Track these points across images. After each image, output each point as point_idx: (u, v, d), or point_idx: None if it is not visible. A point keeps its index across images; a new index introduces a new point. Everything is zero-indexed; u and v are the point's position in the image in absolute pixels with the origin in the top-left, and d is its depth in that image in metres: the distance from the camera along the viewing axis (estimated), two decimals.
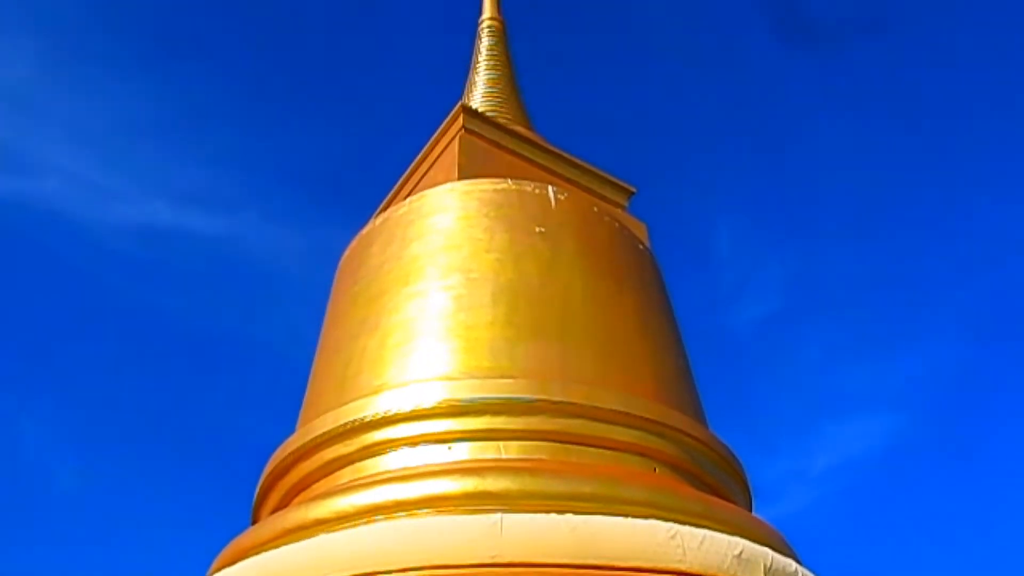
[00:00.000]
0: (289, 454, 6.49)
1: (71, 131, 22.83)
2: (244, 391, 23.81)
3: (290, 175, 25.70)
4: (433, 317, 6.61)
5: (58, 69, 22.96)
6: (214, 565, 6.09)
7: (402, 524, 5.31)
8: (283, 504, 6.48)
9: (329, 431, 6.25)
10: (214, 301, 23.91)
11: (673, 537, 5.25)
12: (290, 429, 6.89)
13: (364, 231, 7.90)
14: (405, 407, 6.06)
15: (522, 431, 5.98)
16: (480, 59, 11.04)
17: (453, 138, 8.80)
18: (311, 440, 6.35)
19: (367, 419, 6.11)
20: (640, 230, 8.74)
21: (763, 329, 25.07)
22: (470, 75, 10.98)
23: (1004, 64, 23.45)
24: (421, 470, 5.74)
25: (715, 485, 6.53)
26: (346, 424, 6.17)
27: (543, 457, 5.91)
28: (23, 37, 22.31)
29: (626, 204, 9.54)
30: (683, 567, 5.17)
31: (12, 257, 22.23)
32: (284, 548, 5.49)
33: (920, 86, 24.12)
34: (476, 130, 8.91)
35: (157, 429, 22.11)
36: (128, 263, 23.30)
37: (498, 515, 5.14)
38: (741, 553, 5.40)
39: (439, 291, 6.76)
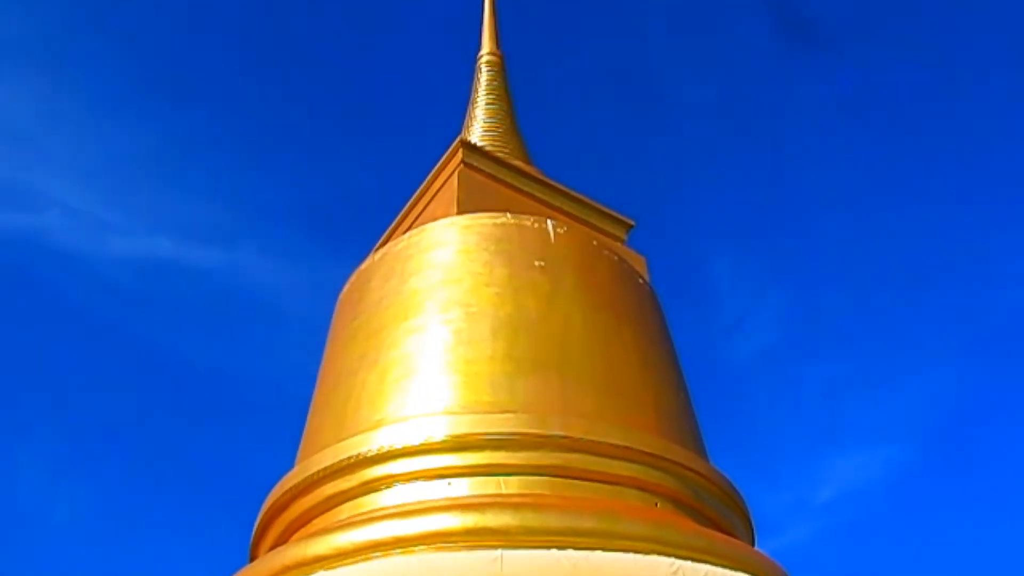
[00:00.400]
0: (288, 489, 6.45)
1: (72, 166, 22.95)
2: (243, 425, 23.73)
3: (289, 209, 25.80)
4: (433, 352, 6.60)
5: (60, 105, 23.08)
6: None
7: (402, 561, 5.26)
8: (282, 540, 6.43)
9: (328, 466, 6.21)
10: (213, 335, 23.91)
11: (675, 572, 5.22)
12: (289, 464, 6.85)
13: (363, 266, 7.90)
14: (405, 442, 6.02)
15: (522, 466, 5.95)
16: (479, 94, 11.10)
17: (452, 172, 8.82)
18: (310, 475, 6.31)
19: (366, 454, 6.08)
20: (639, 263, 8.75)
21: (763, 361, 25.09)
22: (469, 109, 11.03)
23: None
24: (421, 506, 5.70)
25: (717, 519, 6.49)
26: (345, 459, 6.14)
27: (544, 492, 5.88)
28: (27, 74, 22.47)
29: (625, 237, 9.55)
30: None
31: (11, 291, 22.26)
32: None
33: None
34: (475, 164, 8.94)
35: (154, 462, 22.02)
36: (127, 296, 23.33)
37: (499, 551, 5.11)
38: None
39: (438, 326, 6.75)
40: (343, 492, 6.14)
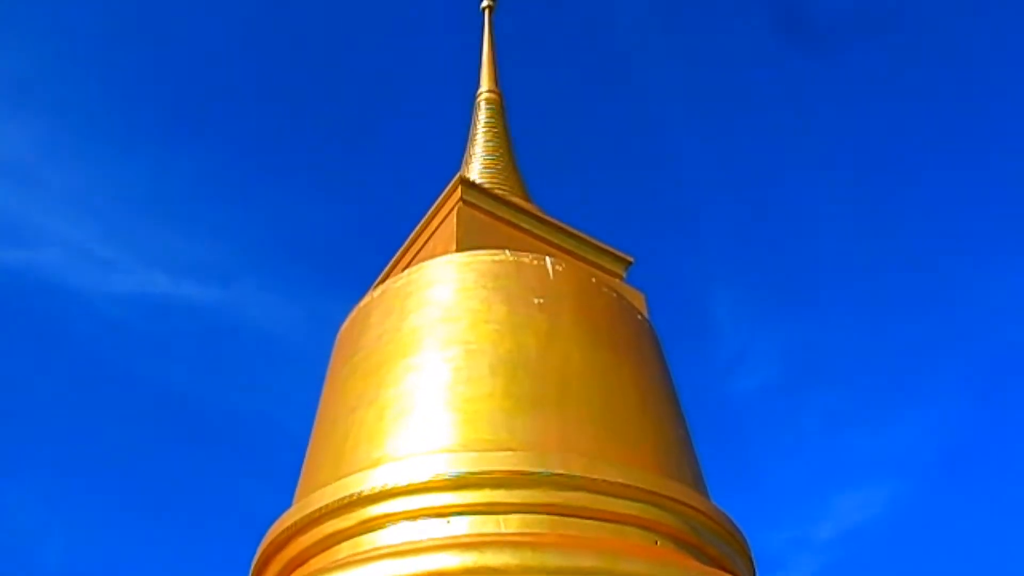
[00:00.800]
0: (286, 528, 6.42)
1: (71, 203, 23.06)
2: (241, 462, 23.63)
3: (288, 246, 25.84)
4: (432, 389, 6.59)
5: (61, 143, 23.22)
6: None
7: None
8: None
9: (327, 505, 6.19)
10: (211, 371, 23.87)
11: None
12: (288, 501, 6.83)
13: (362, 303, 7.90)
14: (403, 481, 6.00)
15: (522, 504, 5.93)
16: (478, 131, 11.15)
17: (452, 210, 8.85)
18: (309, 514, 6.28)
19: (365, 493, 6.05)
20: (638, 300, 8.75)
21: (763, 398, 25.04)
22: (468, 147, 11.08)
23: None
24: (420, 545, 5.67)
25: (718, 557, 6.46)
26: (344, 498, 6.11)
27: (543, 531, 5.85)
28: (28, 112, 22.61)
29: (624, 274, 9.56)
30: None
31: (11, 326, 22.27)
32: None
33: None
34: (474, 202, 8.97)
35: (151, 498, 21.94)
36: (126, 332, 23.34)
37: None
38: None
39: (438, 363, 6.74)
40: (341, 531, 6.11)
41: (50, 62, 23.34)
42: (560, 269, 7.59)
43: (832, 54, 24.68)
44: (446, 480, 5.95)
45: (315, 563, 6.17)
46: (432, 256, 8.08)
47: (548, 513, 5.94)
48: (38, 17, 23.01)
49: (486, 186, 9.62)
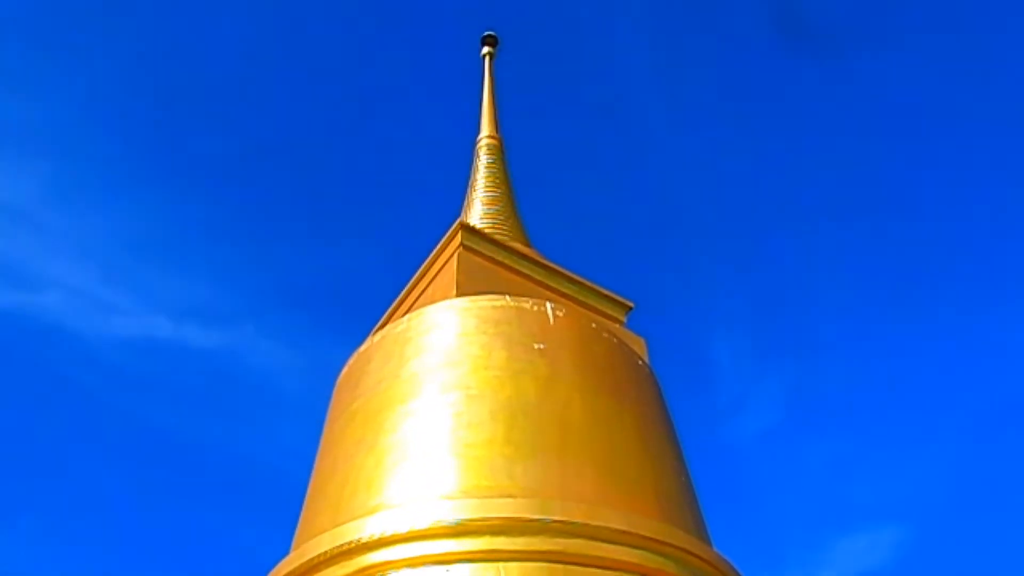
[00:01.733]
0: (285, 575, 6.36)
1: (74, 246, 23.14)
2: (239, 508, 23.51)
3: (289, 291, 25.87)
4: (431, 435, 6.55)
5: (64, 187, 23.35)
6: None
7: None
8: None
9: (325, 552, 6.13)
10: (211, 415, 23.81)
11: None
12: (286, 548, 6.77)
13: (362, 348, 7.89)
14: (402, 528, 5.95)
15: (522, 552, 5.87)
16: (478, 176, 11.19)
17: (452, 255, 8.86)
18: (307, 561, 6.22)
19: (363, 540, 6.00)
20: (639, 345, 8.74)
21: (765, 441, 24.96)
22: (468, 192, 11.12)
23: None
24: None
25: None
26: (342, 545, 6.05)
27: None
28: (33, 157, 22.74)
29: (624, 319, 9.56)
30: None
31: (10, 369, 22.26)
32: None
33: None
34: (474, 247, 8.98)
35: (149, 543, 21.80)
36: (125, 376, 23.33)
37: None
38: None
39: (438, 409, 6.71)
40: None
41: (54, 107, 23.52)
42: (560, 315, 7.58)
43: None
44: (446, 527, 5.90)
45: None
46: (432, 301, 8.08)
47: (549, 560, 5.88)
48: (42, 63, 23.24)
49: (486, 231, 9.64)
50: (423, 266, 9.33)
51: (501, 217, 10.40)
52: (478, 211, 10.48)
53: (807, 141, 25.63)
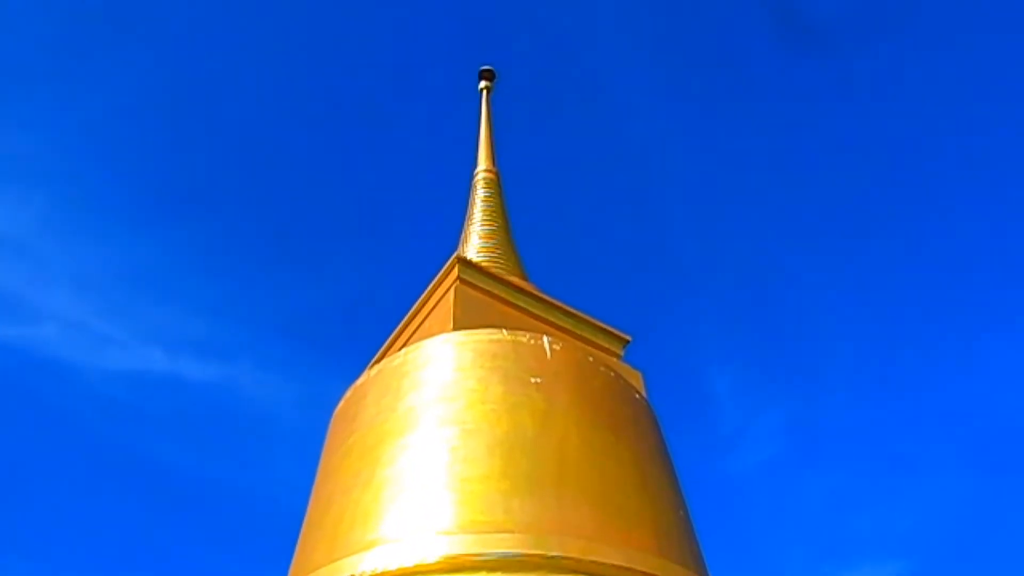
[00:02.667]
0: None
1: (71, 278, 23.12)
2: (236, 542, 23.36)
3: (285, 324, 25.82)
4: (428, 470, 6.53)
5: (62, 218, 23.39)
6: None
7: None
8: None
9: None
10: (207, 449, 23.71)
11: None
12: None
13: (358, 382, 7.87)
14: (398, 563, 5.92)
15: None
16: (475, 210, 11.21)
17: (448, 289, 8.86)
18: None
19: (360, 575, 5.97)
20: (636, 379, 8.73)
21: (764, 475, 24.81)
22: (465, 225, 11.14)
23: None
24: None
25: None
26: None
27: None
28: (30, 188, 22.80)
29: (621, 353, 9.55)
30: None
31: (5, 402, 22.22)
32: None
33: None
34: (471, 280, 8.99)
35: None
36: (121, 409, 23.25)
37: None
38: None
39: (434, 443, 6.69)
40: None
41: (51, 138, 23.59)
42: (557, 348, 7.57)
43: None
44: (442, 562, 5.87)
45: None
46: (429, 335, 8.07)
47: None
48: (39, 94, 23.33)
49: (483, 265, 9.65)
50: (420, 300, 9.33)
51: (498, 251, 10.42)
52: (475, 245, 10.50)
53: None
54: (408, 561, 5.91)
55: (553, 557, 5.92)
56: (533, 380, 7.14)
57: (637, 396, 7.99)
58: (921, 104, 24.53)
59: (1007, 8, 23.19)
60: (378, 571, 5.92)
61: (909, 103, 24.54)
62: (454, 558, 5.88)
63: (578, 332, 9.30)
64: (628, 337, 9.65)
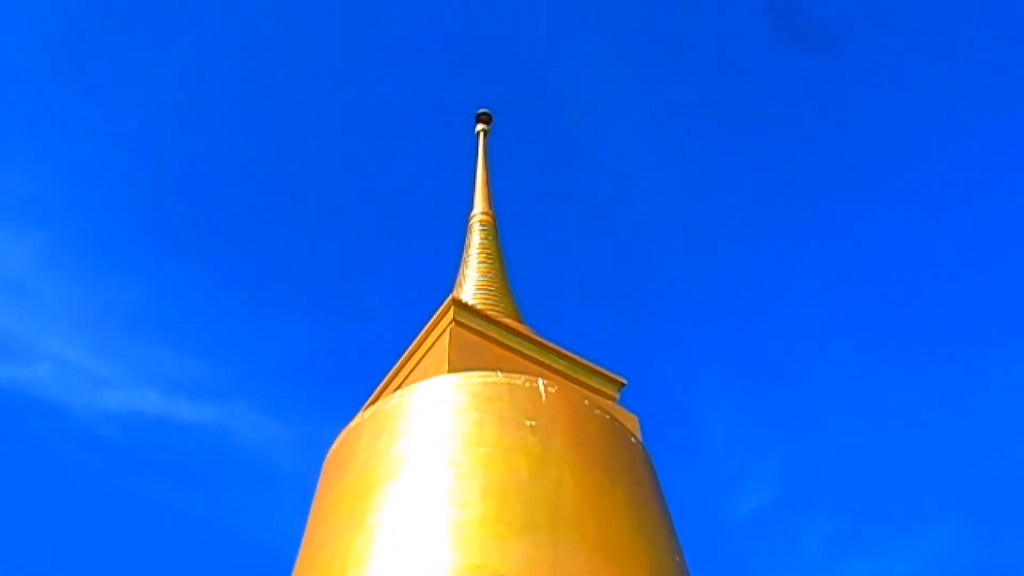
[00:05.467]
0: None
1: (65, 318, 23.09)
2: None
3: (280, 366, 25.76)
4: (422, 513, 6.48)
5: (58, 258, 23.39)
6: None
7: None
8: None
9: None
10: (201, 491, 23.55)
11: None
12: None
13: (352, 424, 7.84)
14: None
15: None
16: (471, 252, 11.24)
17: (444, 331, 8.86)
18: None
19: None
20: (632, 422, 8.70)
21: (762, 521, 24.64)
22: (461, 267, 11.15)
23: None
24: None
25: None
26: None
27: None
28: (28, 227, 22.84)
29: (617, 396, 9.53)
30: None
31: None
32: None
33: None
34: (467, 323, 8.98)
35: None
36: (115, 451, 23.13)
37: None
38: None
39: (428, 486, 6.65)
40: None
41: (49, 179, 23.67)
42: (552, 391, 7.56)
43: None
44: None
45: None
46: (424, 377, 8.06)
47: None
48: (36, 135, 23.45)
49: (479, 307, 9.66)
50: (415, 341, 9.32)
51: (494, 293, 10.42)
52: (471, 287, 10.51)
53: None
54: None
55: None
56: (528, 423, 7.12)
57: (633, 440, 7.96)
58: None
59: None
60: None
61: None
62: None
63: (573, 375, 9.28)
64: (624, 380, 9.63)
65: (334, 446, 7.87)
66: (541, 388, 7.50)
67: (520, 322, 10.00)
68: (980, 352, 24.26)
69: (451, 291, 10.32)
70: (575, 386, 8.92)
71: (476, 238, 11.42)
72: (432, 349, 8.94)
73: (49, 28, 23.32)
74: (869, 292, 25.26)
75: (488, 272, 10.80)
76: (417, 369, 9.03)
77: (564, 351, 9.47)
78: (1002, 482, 23.40)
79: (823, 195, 25.89)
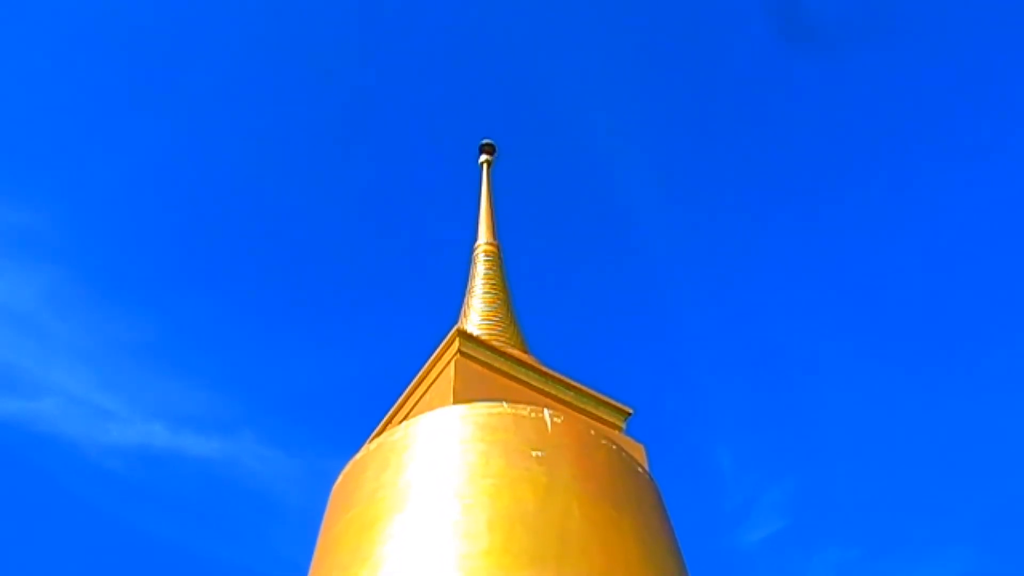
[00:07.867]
0: None
1: (72, 352, 23.12)
2: None
3: (286, 398, 25.77)
4: (427, 545, 6.45)
5: (64, 292, 23.44)
6: None
7: None
8: None
9: None
10: (208, 524, 23.51)
11: None
12: None
13: (358, 456, 7.82)
14: None
15: None
16: (476, 283, 11.25)
17: (449, 362, 8.85)
18: None
19: None
20: (638, 452, 8.67)
21: (771, 551, 24.47)
22: (466, 299, 11.16)
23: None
24: None
25: None
26: None
27: None
28: (35, 262, 22.92)
29: (623, 426, 9.50)
30: None
31: (6, 477, 22.10)
32: None
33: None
34: (472, 354, 8.97)
35: None
36: (121, 485, 23.10)
37: None
38: None
39: (434, 518, 6.62)
40: None
41: (54, 213, 23.76)
42: (558, 422, 7.53)
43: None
44: None
45: None
46: (429, 408, 8.04)
47: None
48: (41, 169, 23.57)
49: (484, 338, 9.65)
50: (420, 373, 9.31)
51: (499, 323, 10.42)
52: (476, 318, 10.51)
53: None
54: None
55: None
56: (534, 454, 7.09)
57: (640, 470, 7.93)
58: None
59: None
60: None
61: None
62: None
63: (579, 405, 9.26)
64: (630, 410, 9.61)
65: (340, 478, 7.85)
66: (547, 419, 7.48)
67: (526, 352, 10.00)
68: (992, 374, 24.18)
69: (456, 322, 10.32)
70: (581, 416, 8.91)
71: (481, 268, 11.44)
72: (437, 380, 8.93)
73: (54, 63, 23.54)
74: (877, 316, 25.23)
75: (493, 302, 10.81)
76: (423, 400, 9.01)
77: (570, 381, 9.45)
78: (1014, 507, 23.27)
79: (832, 212, 25.84)
